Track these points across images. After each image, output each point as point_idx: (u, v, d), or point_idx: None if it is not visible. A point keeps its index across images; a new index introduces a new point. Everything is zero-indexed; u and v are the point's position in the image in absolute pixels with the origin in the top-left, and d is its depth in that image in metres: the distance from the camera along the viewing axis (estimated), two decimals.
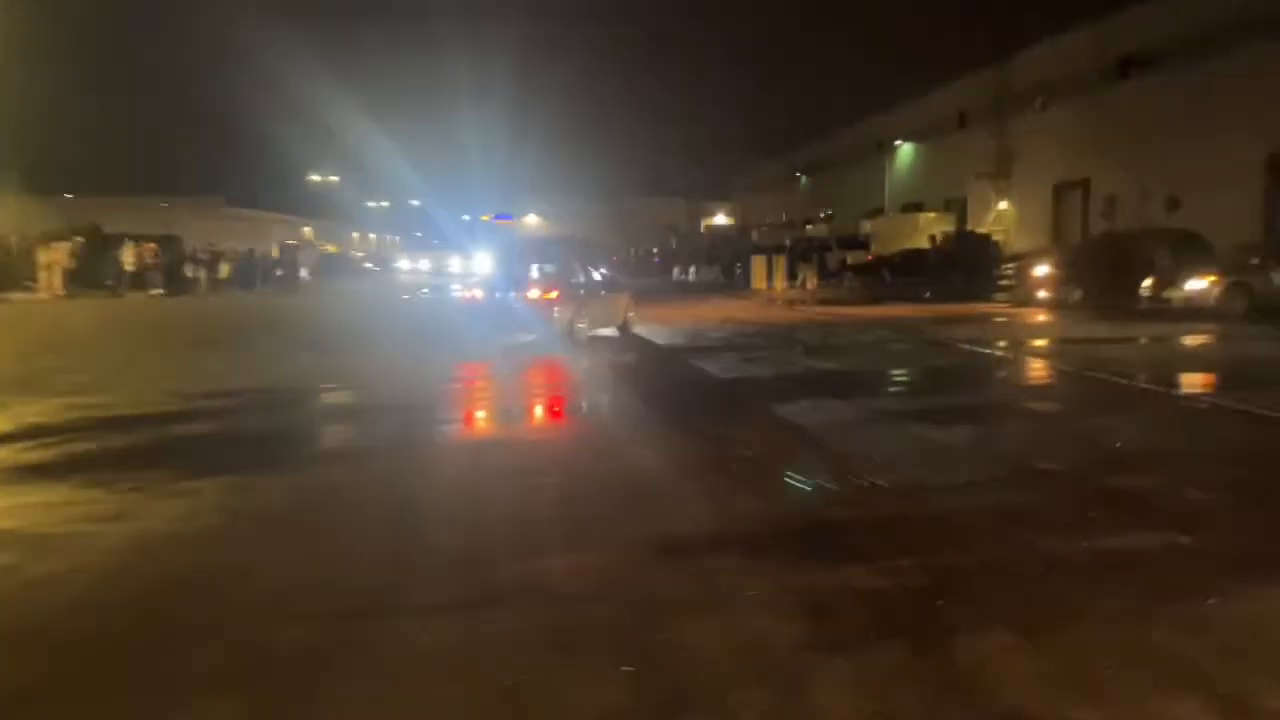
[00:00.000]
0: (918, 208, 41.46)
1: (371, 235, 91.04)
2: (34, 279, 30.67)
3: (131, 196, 60.17)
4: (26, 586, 4.42)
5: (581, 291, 15.74)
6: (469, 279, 17.32)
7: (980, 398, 10.29)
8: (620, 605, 4.01)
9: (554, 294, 15.01)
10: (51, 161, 51.76)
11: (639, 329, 17.51)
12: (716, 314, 22.74)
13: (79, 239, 32.38)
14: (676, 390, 11.16)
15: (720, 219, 75.78)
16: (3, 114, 42.17)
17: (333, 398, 10.89)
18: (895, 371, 12.77)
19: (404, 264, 59.20)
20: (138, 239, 35.06)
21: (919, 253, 30.70)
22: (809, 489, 6.03)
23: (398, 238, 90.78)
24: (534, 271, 16.33)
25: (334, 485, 6.41)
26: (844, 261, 35.25)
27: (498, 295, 15.34)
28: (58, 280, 30.06)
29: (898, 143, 46.42)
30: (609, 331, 16.60)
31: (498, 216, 73.05)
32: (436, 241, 75.97)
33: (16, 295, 29.45)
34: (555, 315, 14.79)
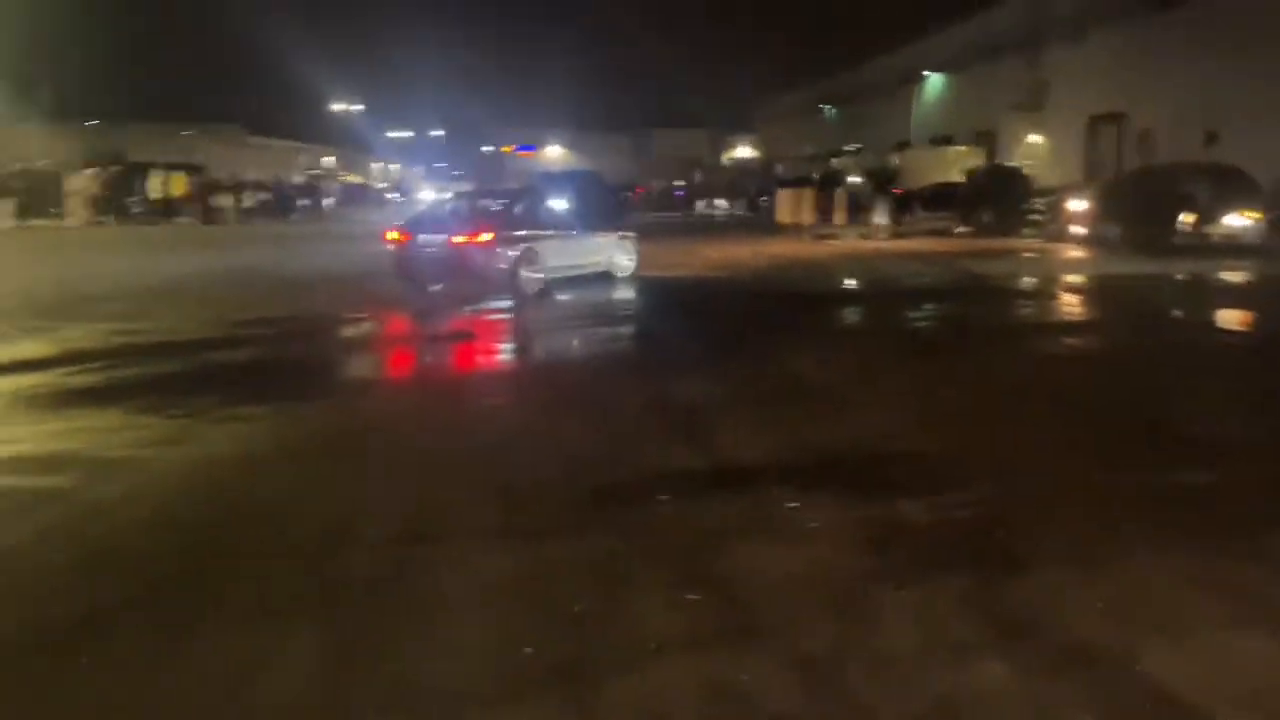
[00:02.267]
0: (947, 141, 40.71)
1: (395, 166, 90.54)
2: (61, 206, 30.75)
3: (153, 124, 59.91)
4: (91, 509, 4.47)
5: (526, 233, 13.18)
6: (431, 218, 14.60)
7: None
8: None
9: (485, 236, 12.67)
10: (74, 88, 51.49)
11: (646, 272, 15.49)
12: (744, 251, 22.56)
13: (111, 166, 32.38)
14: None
15: (744, 151, 74.83)
16: (28, 40, 41.93)
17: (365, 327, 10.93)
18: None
19: (427, 195, 58.96)
20: (165, 167, 35.00)
21: (950, 187, 30.19)
22: None
23: (421, 169, 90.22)
24: (467, 209, 14.44)
25: (376, 411, 6.46)
26: (870, 196, 34.78)
27: (420, 238, 13.20)
28: (87, 207, 30.12)
29: (926, 74, 45.44)
30: (583, 274, 14.28)
31: (519, 148, 72.39)
32: (458, 173, 75.55)
33: (45, 222, 29.57)
34: (488, 261, 12.57)
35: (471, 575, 3.67)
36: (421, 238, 13.20)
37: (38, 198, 31.17)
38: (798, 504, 4.33)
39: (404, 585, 3.57)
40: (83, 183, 30.27)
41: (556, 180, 24.46)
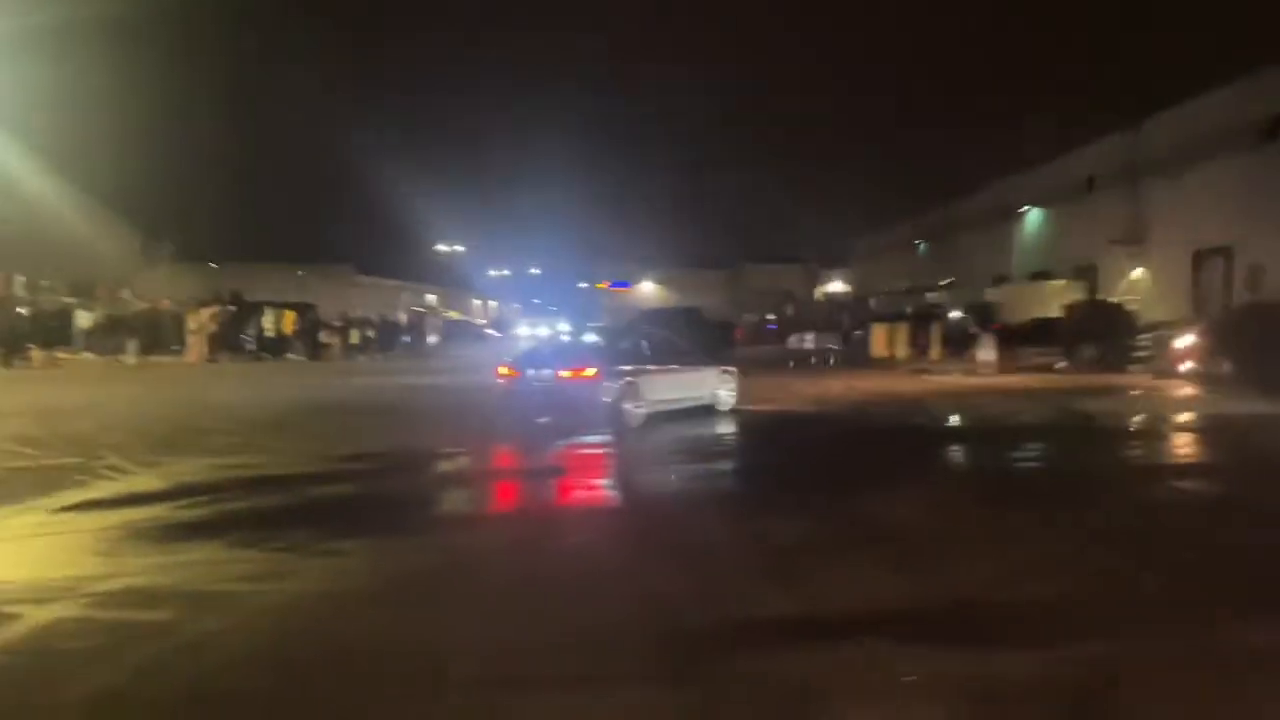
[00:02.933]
0: (1045, 276, 40.25)
1: (493, 302, 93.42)
2: (182, 343, 32.39)
3: (270, 264, 63.19)
4: (186, 645, 4.53)
5: (631, 367, 13.58)
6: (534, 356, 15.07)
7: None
8: None
9: (591, 372, 13.09)
10: (197, 231, 54.96)
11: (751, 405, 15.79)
12: (840, 385, 22.38)
13: (225, 306, 34.19)
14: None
15: (837, 285, 75.15)
16: (157, 187, 45.11)
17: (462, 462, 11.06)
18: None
19: (524, 329, 60.40)
20: (278, 305, 36.74)
21: (1050, 321, 29.68)
22: None
23: (518, 305, 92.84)
24: (576, 346, 15.23)
25: (473, 548, 6.47)
26: (966, 331, 34.41)
27: (530, 373, 13.69)
28: (204, 344, 31.67)
29: (1025, 208, 45.35)
30: (684, 407, 14.36)
31: (614, 284, 74.05)
32: (554, 309, 77.44)
33: (166, 359, 31.17)
34: (593, 395, 12.85)
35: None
36: (530, 372, 13.70)
37: (160, 335, 32.97)
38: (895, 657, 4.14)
39: None
40: (201, 321, 31.97)
41: (662, 316, 24.60)
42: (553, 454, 11.20)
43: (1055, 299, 33.52)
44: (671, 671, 4.07)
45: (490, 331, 63.63)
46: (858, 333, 42.64)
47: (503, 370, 14.13)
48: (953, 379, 23.31)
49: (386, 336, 40.24)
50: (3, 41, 26.14)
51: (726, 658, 4.22)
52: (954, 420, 15.17)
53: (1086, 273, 38.51)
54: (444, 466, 10.86)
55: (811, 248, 76.86)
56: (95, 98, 34.11)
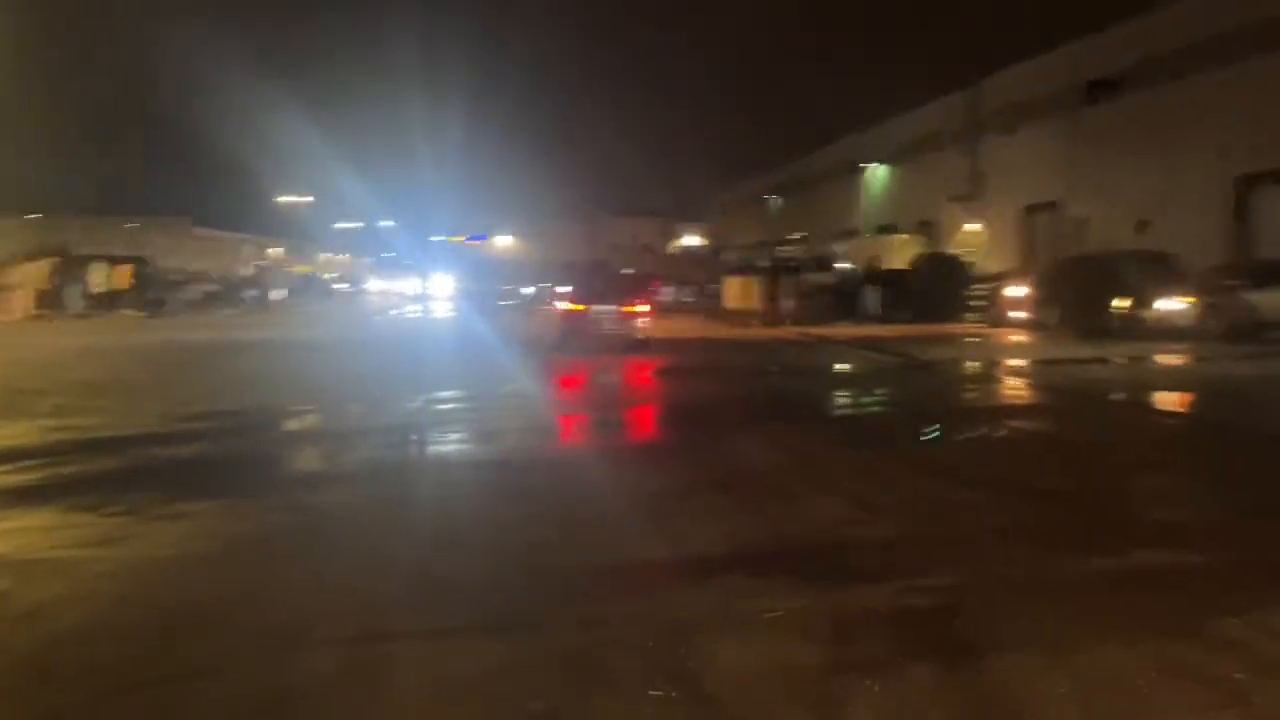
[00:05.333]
0: (892, 229, 41.77)
1: (342, 256, 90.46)
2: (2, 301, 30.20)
3: (99, 217, 59.44)
4: (23, 615, 4.27)
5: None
6: (563, 292, 19.11)
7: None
8: None
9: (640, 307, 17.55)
10: (16, 181, 51.04)
11: None
12: (691, 330, 22.74)
13: (53, 259, 31.93)
14: None
15: (693, 239, 75.85)
16: None
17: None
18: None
19: (375, 285, 58.86)
20: (109, 260, 34.63)
21: (897, 274, 30.88)
22: None
23: (369, 259, 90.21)
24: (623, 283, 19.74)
25: (326, 507, 6.30)
26: (817, 282, 35.38)
27: (595, 309, 17.43)
28: (29, 302, 29.59)
29: (871, 165, 46.80)
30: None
31: (470, 238, 72.73)
32: (408, 263, 75.58)
33: None
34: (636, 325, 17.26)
35: (425, 675, 3.54)
36: (595, 308, 17.45)
37: None
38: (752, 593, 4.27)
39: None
40: (23, 277, 29.79)
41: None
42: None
43: (900, 251, 34.88)
44: (542, 616, 4.09)
45: (341, 286, 61.73)
46: (712, 286, 43.32)
47: (568, 306, 17.70)
48: (796, 330, 24.00)
49: (229, 291, 38.50)
50: None
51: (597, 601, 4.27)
52: (803, 369, 15.64)
53: (928, 227, 40.15)
54: (291, 424, 10.52)
55: (668, 201, 77.43)
56: None
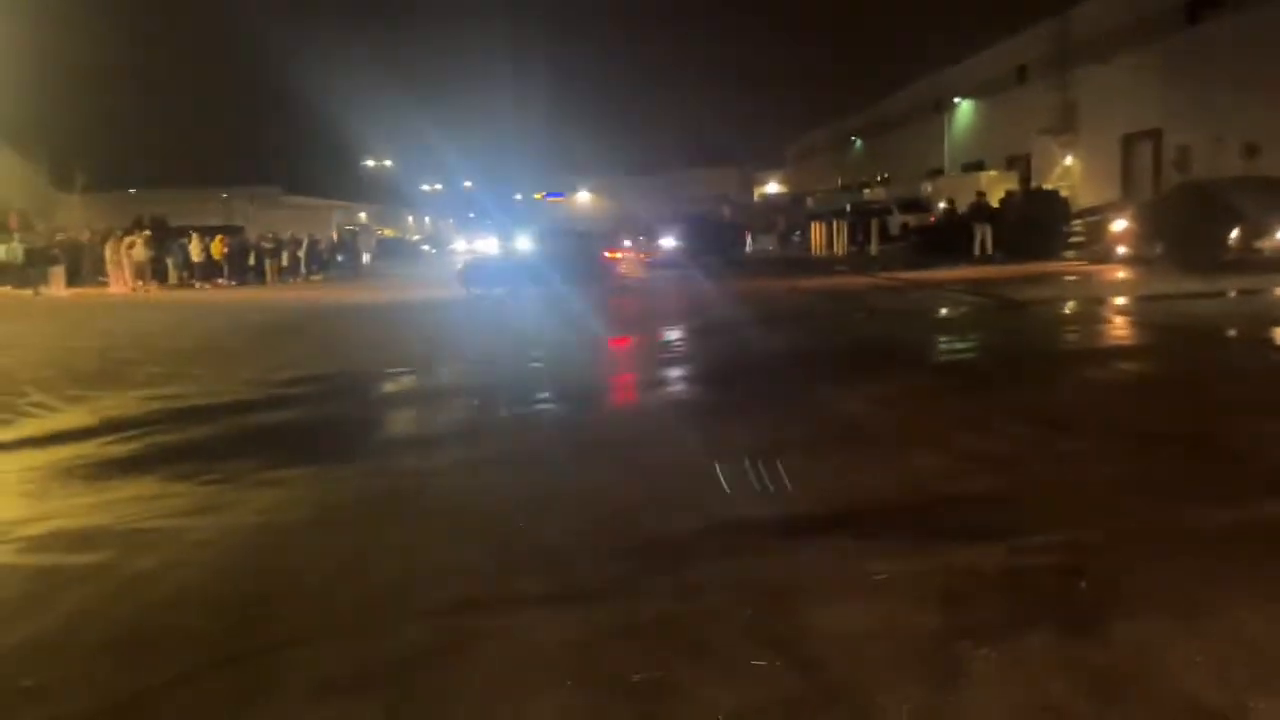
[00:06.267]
0: (979, 166, 40.42)
1: (427, 218, 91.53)
2: (105, 274, 31.17)
3: (193, 189, 61.05)
4: (125, 584, 4.31)
5: None
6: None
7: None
8: None
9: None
10: (113, 157, 52.69)
11: None
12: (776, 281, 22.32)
13: (147, 233, 32.81)
14: None
15: (773, 187, 74.72)
16: (67, 113, 42.98)
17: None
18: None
19: (459, 245, 59.41)
20: (204, 231, 35.51)
21: (991, 211, 29.76)
22: None
23: (452, 220, 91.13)
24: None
25: (423, 471, 6.28)
26: (905, 224, 34.47)
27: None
28: (129, 274, 30.52)
29: (956, 100, 45.27)
30: None
31: (548, 195, 72.87)
32: (489, 222, 76.09)
33: (91, 291, 30.02)
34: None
35: (527, 643, 3.44)
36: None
37: (82, 266, 31.71)
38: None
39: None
40: (124, 249, 30.71)
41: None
42: None
43: (989, 189, 33.70)
44: (638, 584, 3.96)
45: (426, 248, 62.44)
46: (797, 234, 42.63)
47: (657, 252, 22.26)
48: (888, 275, 23.35)
49: (319, 257, 39.19)
50: None
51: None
52: (897, 315, 15.19)
53: (1019, 162, 38.78)
54: (387, 387, 10.59)
55: (747, 150, 76.32)
56: None
